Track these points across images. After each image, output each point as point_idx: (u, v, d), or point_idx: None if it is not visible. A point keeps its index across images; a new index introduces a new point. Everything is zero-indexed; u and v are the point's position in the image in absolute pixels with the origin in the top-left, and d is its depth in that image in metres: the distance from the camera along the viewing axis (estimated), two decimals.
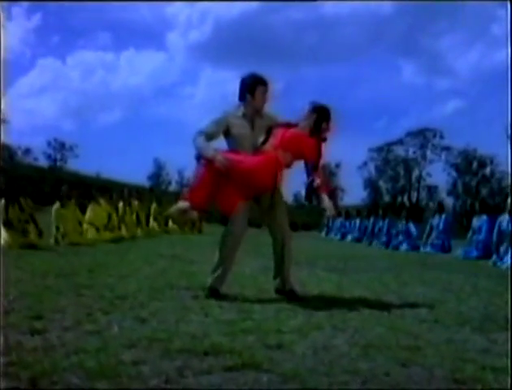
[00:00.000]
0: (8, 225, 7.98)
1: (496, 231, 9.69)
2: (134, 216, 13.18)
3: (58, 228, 9.02)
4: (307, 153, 4.12)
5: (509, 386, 2.19)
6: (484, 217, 11.15)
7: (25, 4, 68.55)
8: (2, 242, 7.77)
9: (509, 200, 9.61)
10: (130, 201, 13.32)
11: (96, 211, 10.40)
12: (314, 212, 37.31)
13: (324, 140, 4.22)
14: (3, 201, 8.09)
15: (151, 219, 14.53)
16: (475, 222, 11.50)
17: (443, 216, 13.48)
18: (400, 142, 59.24)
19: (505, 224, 9.50)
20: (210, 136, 4.14)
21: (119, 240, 10.68)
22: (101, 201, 11.16)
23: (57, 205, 9.31)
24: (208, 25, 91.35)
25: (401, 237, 14.10)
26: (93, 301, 3.62)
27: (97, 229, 10.10)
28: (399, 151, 59.96)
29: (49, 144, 59.34)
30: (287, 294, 4.13)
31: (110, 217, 11.12)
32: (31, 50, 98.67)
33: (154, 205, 15.01)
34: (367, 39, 76.44)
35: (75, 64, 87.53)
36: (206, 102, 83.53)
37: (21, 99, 74.51)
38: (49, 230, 9.06)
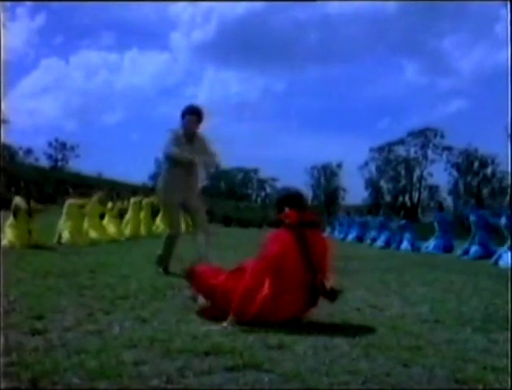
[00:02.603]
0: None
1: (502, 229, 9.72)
2: (137, 216, 13.17)
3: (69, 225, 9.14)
4: None
5: (509, 386, 2.18)
6: (480, 213, 11.14)
7: (29, 4, 68.51)
8: (6, 242, 7.81)
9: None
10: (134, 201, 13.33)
11: (92, 212, 10.41)
12: (315, 212, 37.36)
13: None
14: (18, 197, 8.23)
15: (158, 219, 14.38)
16: (471, 217, 11.45)
17: (444, 216, 13.47)
18: (401, 142, 59.28)
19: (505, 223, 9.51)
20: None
21: (120, 240, 10.71)
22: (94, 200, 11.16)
23: (70, 200, 9.43)
24: (211, 25, 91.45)
25: (402, 237, 14.10)
26: (94, 301, 3.62)
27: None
28: (400, 151, 60.05)
29: (50, 144, 59.40)
30: None
31: (103, 217, 11.17)
32: (34, 50, 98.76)
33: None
34: (370, 39, 76.58)
35: (78, 64, 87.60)
36: (208, 102, 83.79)
37: (24, 99, 74.70)
38: (51, 230, 9.08)
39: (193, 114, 5.43)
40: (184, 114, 5.43)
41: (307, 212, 3.40)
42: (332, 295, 3.21)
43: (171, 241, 5.51)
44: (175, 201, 5.42)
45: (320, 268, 3.26)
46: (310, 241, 3.23)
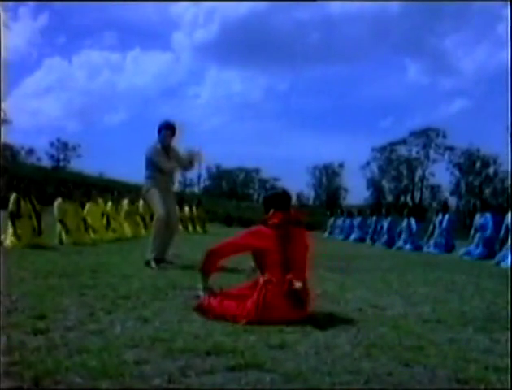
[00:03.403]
0: (18, 217, 8.05)
1: (503, 229, 9.72)
2: (138, 216, 13.16)
3: (62, 222, 9.05)
4: None
5: (510, 386, 2.18)
6: (488, 215, 11.11)
7: (31, 4, 68.54)
8: (8, 242, 7.81)
9: None
10: (135, 201, 13.30)
11: (93, 211, 10.41)
12: (316, 212, 37.27)
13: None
14: (14, 194, 8.17)
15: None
16: (478, 219, 11.47)
17: (446, 216, 13.39)
18: (403, 142, 59.19)
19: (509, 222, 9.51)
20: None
21: (122, 239, 10.71)
22: (99, 201, 11.14)
23: (59, 200, 9.33)
24: (214, 25, 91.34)
25: (403, 237, 14.07)
26: (95, 300, 3.62)
27: (94, 230, 10.06)
28: (402, 151, 59.96)
29: (52, 144, 59.27)
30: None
31: (107, 217, 11.14)
32: (37, 50, 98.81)
33: None
34: (372, 38, 76.42)
35: (81, 64, 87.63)
36: (211, 102, 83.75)
37: (26, 99, 74.78)
38: (52, 230, 9.08)
39: (168, 129, 6.25)
40: (160, 130, 6.23)
41: (292, 212, 3.49)
42: (296, 296, 3.24)
43: (160, 225, 6.08)
44: (158, 193, 6.14)
45: (299, 265, 3.35)
46: (292, 238, 3.32)
